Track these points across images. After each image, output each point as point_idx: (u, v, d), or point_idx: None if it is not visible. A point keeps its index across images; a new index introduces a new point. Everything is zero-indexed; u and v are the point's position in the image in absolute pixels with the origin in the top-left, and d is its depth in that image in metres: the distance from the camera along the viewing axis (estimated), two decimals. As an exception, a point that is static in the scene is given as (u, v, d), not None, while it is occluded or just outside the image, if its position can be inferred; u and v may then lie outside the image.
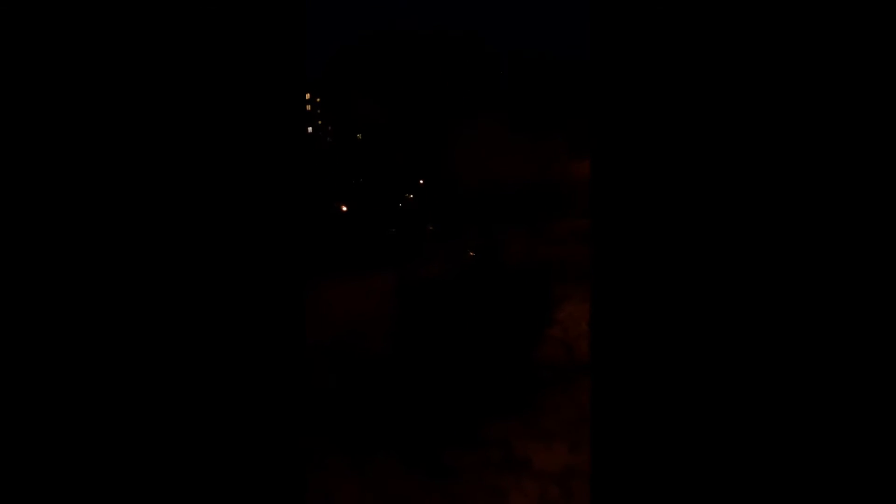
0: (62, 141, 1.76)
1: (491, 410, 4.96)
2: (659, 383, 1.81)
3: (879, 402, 1.62)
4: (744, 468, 1.72)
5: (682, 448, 1.77)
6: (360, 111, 18.38)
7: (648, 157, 1.89)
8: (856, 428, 1.64)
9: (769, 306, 1.73)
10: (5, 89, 1.76)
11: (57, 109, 1.75)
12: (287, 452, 1.89)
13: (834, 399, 1.66)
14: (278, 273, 1.91)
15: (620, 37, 1.99)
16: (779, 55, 1.79)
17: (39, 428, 1.71)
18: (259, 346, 1.88)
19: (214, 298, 1.84)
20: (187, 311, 1.83)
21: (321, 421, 4.66)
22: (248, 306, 1.88)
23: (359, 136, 18.07)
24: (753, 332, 1.74)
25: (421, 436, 4.44)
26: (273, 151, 1.92)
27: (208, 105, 1.84)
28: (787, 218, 1.75)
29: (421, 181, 15.19)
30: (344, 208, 13.47)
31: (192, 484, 1.81)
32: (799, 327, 1.69)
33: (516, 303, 5.89)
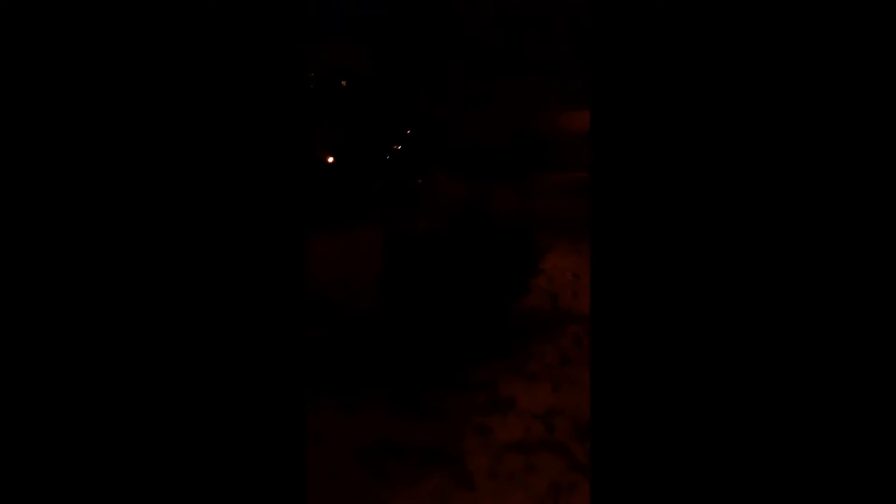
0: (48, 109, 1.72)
1: (478, 356, 5.14)
2: (663, 346, 1.79)
3: (885, 397, 1.62)
4: (751, 443, 1.68)
5: (684, 417, 1.76)
6: (343, 56, 17.69)
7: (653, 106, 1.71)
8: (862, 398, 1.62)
9: (785, 279, 1.66)
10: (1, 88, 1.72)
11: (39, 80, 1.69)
12: (287, 410, 1.90)
13: (842, 374, 1.64)
14: (278, 229, 1.90)
15: None
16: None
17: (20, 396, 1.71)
18: (259, 304, 1.87)
19: (214, 258, 1.84)
20: (186, 277, 1.82)
21: (311, 369, 4.79)
22: (248, 262, 1.87)
23: (343, 83, 17.49)
24: (766, 305, 1.68)
25: (410, 381, 4.60)
26: (272, 100, 1.86)
27: (202, 66, 1.79)
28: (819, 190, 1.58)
29: (408, 132, 14.90)
30: (330, 160, 13.24)
31: (188, 451, 1.83)
32: (813, 299, 1.65)
33: (503, 255, 5.98)
